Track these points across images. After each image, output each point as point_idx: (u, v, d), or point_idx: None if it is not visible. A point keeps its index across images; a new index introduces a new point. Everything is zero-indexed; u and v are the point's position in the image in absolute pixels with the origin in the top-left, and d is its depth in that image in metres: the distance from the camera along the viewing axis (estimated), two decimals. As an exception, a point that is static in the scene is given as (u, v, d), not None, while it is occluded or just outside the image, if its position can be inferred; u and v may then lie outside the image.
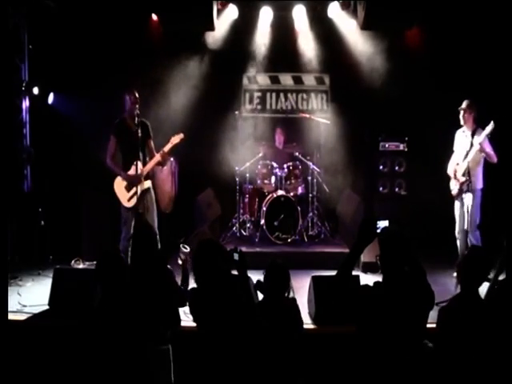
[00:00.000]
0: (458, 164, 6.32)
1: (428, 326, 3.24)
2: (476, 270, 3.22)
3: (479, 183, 6.26)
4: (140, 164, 5.74)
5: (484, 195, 6.29)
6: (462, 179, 6.19)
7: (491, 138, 6.09)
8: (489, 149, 6.14)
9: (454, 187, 6.34)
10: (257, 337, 3.10)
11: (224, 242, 7.38)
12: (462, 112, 6.29)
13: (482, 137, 6.06)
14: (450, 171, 6.45)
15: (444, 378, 3.12)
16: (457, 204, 6.36)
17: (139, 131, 5.63)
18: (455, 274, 5.93)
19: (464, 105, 6.31)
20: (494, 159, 6.15)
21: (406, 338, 3.05)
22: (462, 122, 6.33)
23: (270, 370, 3.21)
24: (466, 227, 6.16)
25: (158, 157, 5.81)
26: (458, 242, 6.33)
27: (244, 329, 3.10)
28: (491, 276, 5.25)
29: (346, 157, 8.11)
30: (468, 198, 6.17)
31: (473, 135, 6.21)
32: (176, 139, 5.88)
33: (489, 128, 6.00)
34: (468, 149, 6.19)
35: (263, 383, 3.17)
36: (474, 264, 3.24)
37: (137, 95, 5.77)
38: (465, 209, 6.18)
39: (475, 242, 6.11)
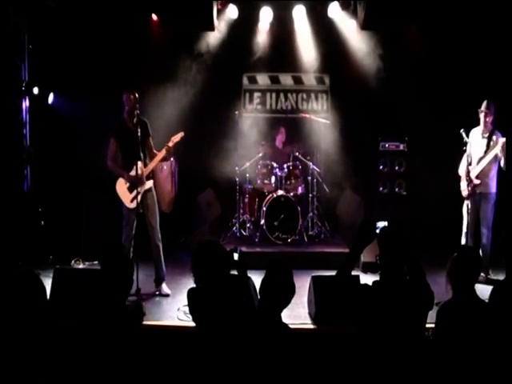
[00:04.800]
0: (470, 165, 6.21)
1: (429, 326, 3.25)
2: (467, 270, 3.23)
3: (493, 186, 6.18)
4: (140, 164, 5.73)
5: (497, 198, 6.22)
6: (477, 182, 6.09)
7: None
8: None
9: (466, 188, 6.21)
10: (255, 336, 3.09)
11: (224, 242, 7.38)
12: (483, 114, 6.13)
13: (504, 139, 5.98)
14: (461, 171, 6.33)
15: (443, 377, 3.12)
16: (466, 205, 6.23)
17: (138, 131, 5.61)
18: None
19: (485, 106, 6.14)
20: (505, 166, 6.08)
21: (405, 338, 3.05)
22: (482, 124, 6.17)
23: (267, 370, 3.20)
24: (480, 229, 6.13)
25: (163, 151, 5.80)
26: (464, 242, 6.22)
27: (243, 329, 3.09)
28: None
29: (346, 157, 8.12)
30: (482, 200, 6.11)
31: (490, 137, 6.11)
32: (177, 138, 5.88)
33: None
34: (484, 151, 6.11)
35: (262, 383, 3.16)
36: (465, 264, 3.24)
37: (137, 95, 5.76)
38: (480, 211, 6.13)
39: (486, 243, 6.09)
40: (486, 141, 6.15)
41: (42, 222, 7.38)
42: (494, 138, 6.12)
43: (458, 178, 6.36)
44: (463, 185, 6.29)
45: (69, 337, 3.52)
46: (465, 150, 6.15)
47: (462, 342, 3.09)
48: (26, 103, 7.52)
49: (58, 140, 7.74)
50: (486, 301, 3.37)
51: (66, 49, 7.57)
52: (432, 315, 3.23)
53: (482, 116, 6.17)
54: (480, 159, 6.14)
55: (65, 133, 7.80)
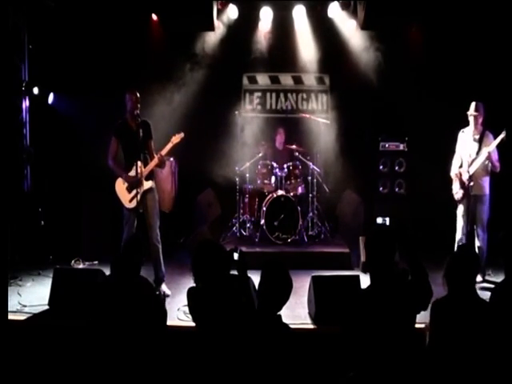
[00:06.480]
0: (461, 167, 6.17)
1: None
2: (465, 267, 3.23)
3: (487, 187, 6.09)
4: (140, 164, 5.72)
5: (491, 200, 6.14)
6: (470, 183, 5.98)
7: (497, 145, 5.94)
8: (496, 157, 5.97)
9: (459, 191, 6.14)
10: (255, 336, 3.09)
11: (224, 242, 7.38)
12: (473, 117, 6.06)
13: (493, 146, 5.90)
14: (453, 174, 6.25)
15: (439, 375, 3.12)
16: (460, 208, 6.16)
17: (140, 131, 5.61)
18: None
19: (474, 109, 6.06)
20: (498, 169, 6.00)
21: (395, 340, 3.03)
22: (472, 126, 6.09)
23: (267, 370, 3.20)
24: (476, 231, 6.03)
25: (155, 160, 5.78)
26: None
27: (243, 329, 3.09)
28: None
29: (346, 157, 8.12)
30: (477, 202, 6.01)
31: (481, 139, 6.02)
32: (176, 139, 5.85)
33: (501, 136, 5.84)
34: (476, 153, 6.01)
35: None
36: (463, 262, 3.24)
37: (138, 95, 5.75)
38: (476, 213, 6.02)
39: (483, 245, 6.01)
40: (477, 142, 6.06)
41: (42, 222, 7.39)
42: (486, 139, 6.03)
43: (450, 181, 6.29)
44: (455, 187, 6.20)
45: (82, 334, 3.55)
46: (454, 152, 6.14)
47: (457, 340, 3.08)
48: (26, 103, 7.53)
49: (57, 140, 7.75)
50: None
51: (66, 49, 7.57)
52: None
53: (471, 119, 6.09)
54: (472, 161, 6.04)
55: (65, 133, 7.80)
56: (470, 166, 6.08)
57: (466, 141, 6.20)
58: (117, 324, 3.39)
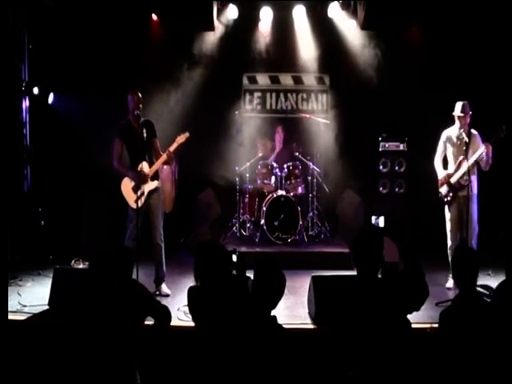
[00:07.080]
0: (446, 169, 6.10)
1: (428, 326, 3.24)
2: (467, 269, 3.22)
3: (475, 188, 5.97)
4: (145, 164, 5.73)
5: (479, 200, 6.04)
6: (462, 183, 5.89)
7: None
8: (491, 153, 5.83)
9: (448, 193, 6.05)
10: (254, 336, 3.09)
11: (224, 242, 7.38)
12: (462, 118, 5.91)
13: (491, 140, 5.78)
14: (440, 177, 6.12)
15: (446, 379, 3.12)
16: (450, 210, 6.07)
17: (144, 131, 5.61)
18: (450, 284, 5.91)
19: (461, 110, 5.92)
20: (489, 166, 5.86)
21: (384, 339, 3.03)
22: (459, 126, 5.95)
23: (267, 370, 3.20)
24: (468, 231, 5.89)
25: (164, 156, 5.79)
26: (450, 252, 5.98)
27: (242, 329, 3.09)
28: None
29: (346, 157, 8.12)
30: (468, 202, 5.86)
31: (469, 138, 5.85)
32: (181, 138, 5.85)
33: (499, 134, 5.72)
34: (464, 153, 5.86)
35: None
36: (463, 263, 3.24)
37: (140, 95, 5.76)
38: (468, 214, 5.87)
39: (475, 244, 5.90)
40: (464, 143, 5.88)
41: (42, 222, 7.39)
42: (473, 139, 5.91)
43: (437, 183, 6.20)
44: (444, 190, 6.10)
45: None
46: (435, 152, 6.11)
47: (468, 342, 3.08)
48: (26, 103, 7.54)
49: (57, 140, 7.75)
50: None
51: (66, 49, 7.58)
52: (433, 315, 3.22)
53: (460, 120, 5.94)
54: (460, 162, 5.93)
55: (65, 133, 7.80)
56: (458, 166, 5.94)
57: (452, 141, 6.09)
58: (101, 325, 3.39)
